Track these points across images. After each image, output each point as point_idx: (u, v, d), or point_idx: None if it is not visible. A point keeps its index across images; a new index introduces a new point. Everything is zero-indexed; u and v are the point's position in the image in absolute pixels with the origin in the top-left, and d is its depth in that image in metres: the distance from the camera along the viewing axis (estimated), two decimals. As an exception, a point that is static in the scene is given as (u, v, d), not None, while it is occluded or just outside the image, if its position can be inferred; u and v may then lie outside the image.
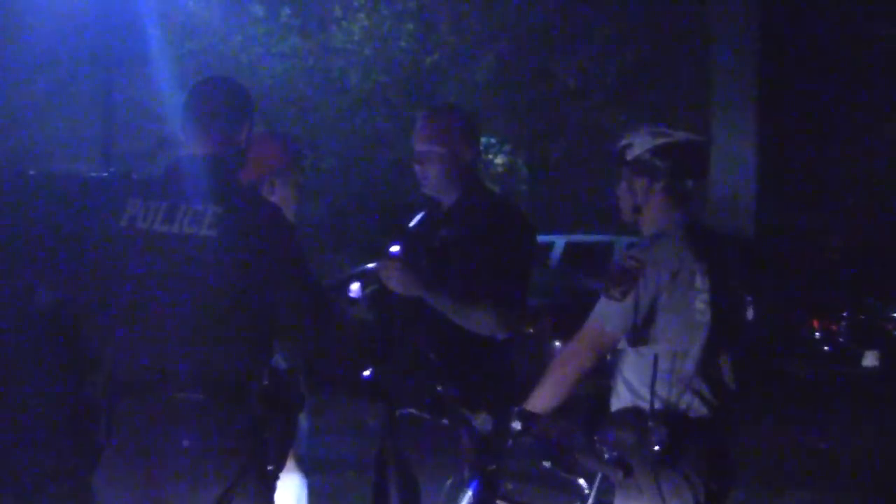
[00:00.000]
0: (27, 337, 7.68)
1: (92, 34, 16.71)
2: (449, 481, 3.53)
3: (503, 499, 3.60)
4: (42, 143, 17.41)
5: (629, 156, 3.55)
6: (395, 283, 3.76)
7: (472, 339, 3.76)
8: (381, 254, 3.89)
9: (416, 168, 3.94)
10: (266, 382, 3.14)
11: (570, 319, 3.87)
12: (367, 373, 3.77)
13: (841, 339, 15.96)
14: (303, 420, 3.93)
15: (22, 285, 7.96)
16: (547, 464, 3.45)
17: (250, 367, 3.14)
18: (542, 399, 3.44)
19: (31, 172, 10.45)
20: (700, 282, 3.42)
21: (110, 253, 3.22)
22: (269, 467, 3.17)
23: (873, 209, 23.41)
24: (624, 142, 3.58)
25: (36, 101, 17.92)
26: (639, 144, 3.54)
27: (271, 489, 3.21)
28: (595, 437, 3.39)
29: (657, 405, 3.38)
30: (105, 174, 9.63)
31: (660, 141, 3.53)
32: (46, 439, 7.38)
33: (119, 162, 15.31)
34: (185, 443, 3.07)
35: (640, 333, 3.41)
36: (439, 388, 3.47)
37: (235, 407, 3.10)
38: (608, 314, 3.42)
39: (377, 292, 4.02)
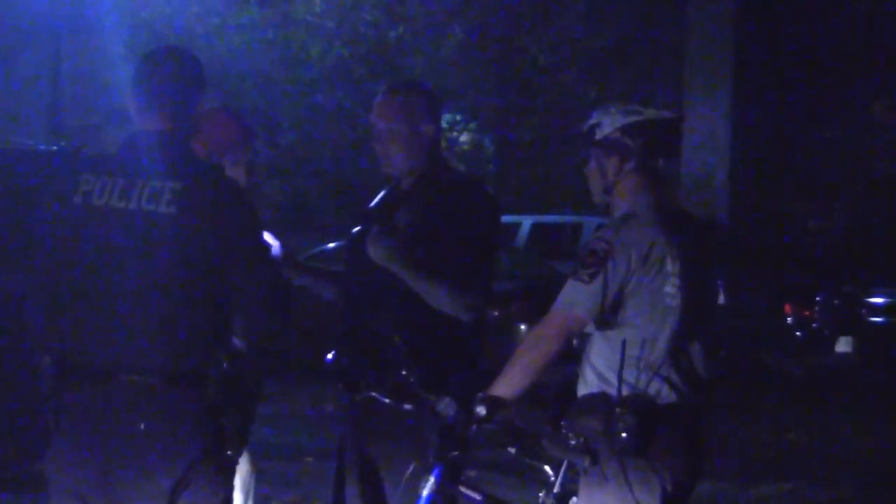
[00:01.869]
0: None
1: (40, 1, 16.56)
2: (410, 468, 3.56)
3: (466, 486, 3.63)
4: (-14, 116, 17.25)
5: (598, 135, 3.57)
6: (377, 248, 3.78)
7: (437, 322, 3.79)
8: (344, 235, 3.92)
9: (377, 146, 3.96)
10: (225, 366, 3.17)
11: (536, 302, 3.91)
12: (329, 356, 3.79)
13: (814, 325, 16.09)
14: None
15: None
16: (512, 450, 3.47)
17: (208, 349, 3.15)
18: (507, 384, 3.46)
19: (-25, 146, 10.34)
20: (671, 265, 3.45)
21: (63, 230, 3.22)
22: (228, 452, 3.19)
23: (850, 192, 23.60)
24: (592, 121, 3.60)
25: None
26: (608, 123, 3.56)
27: (230, 473, 3.24)
28: (561, 424, 3.42)
29: (625, 391, 3.41)
30: (54, 148, 9.54)
31: (630, 119, 3.54)
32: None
33: (68, 136, 15.21)
34: (141, 427, 3.09)
35: (608, 317, 3.44)
36: (403, 372, 3.50)
37: (193, 391, 3.12)
38: (576, 297, 3.44)
39: (344, 271, 4.05)
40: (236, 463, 3.25)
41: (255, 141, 4.09)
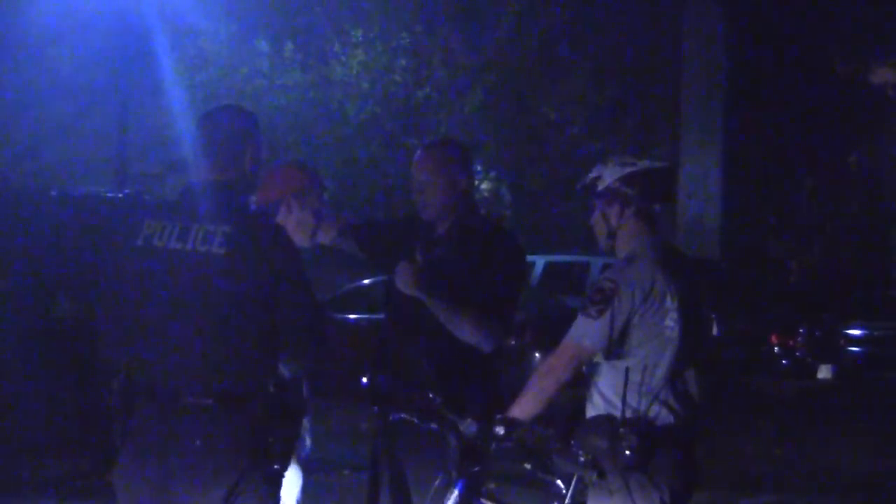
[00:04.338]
0: (47, 344, 7.69)
1: (108, 64, 16.74)
2: (436, 481, 3.55)
3: (487, 498, 3.61)
4: (62, 166, 17.42)
5: (600, 187, 3.58)
6: (402, 278, 3.80)
7: (461, 350, 3.80)
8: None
9: (416, 196, 3.98)
10: (272, 389, 3.17)
11: (549, 332, 3.91)
12: (364, 380, 3.79)
13: (798, 353, 16.02)
14: (307, 424, 3.95)
15: (41, 297, 7.97)
16: (527, 466, 3.47)
17: (256, 375, 3.16)
18: (524, 407, 3.46)
19: (53, 192, 10.46)
20: (670, 301, 3.45)
21: (128, 268, 3.24)
22: (275, 466, 3.20)
23: (829, 234, 23.53)
24: (594, 174, 3.61)
25: (57, 126, 17.94)
26: (608, 175, 3.57)
27: (277, 487, 3.23)
28: (571, 442, 3.41)
29: (628, 414, 3.40)
30: (120, 194, 9.64)
31: (627, 170, 3.55)
32: (64, 442, 7.38)
33: (133, 183, 15.33)
34: (197, 443, 3.09)
35: (614, 348, 3.44)
36: (430, 395, 3.50)
37: (243, 411, 3.13)
38: (585, 330, 3.45)
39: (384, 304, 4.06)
40: (283, 475, 3.25)
41: (323, 191, 4.14)
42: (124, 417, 3.17)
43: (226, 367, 3.13)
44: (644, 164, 3.57)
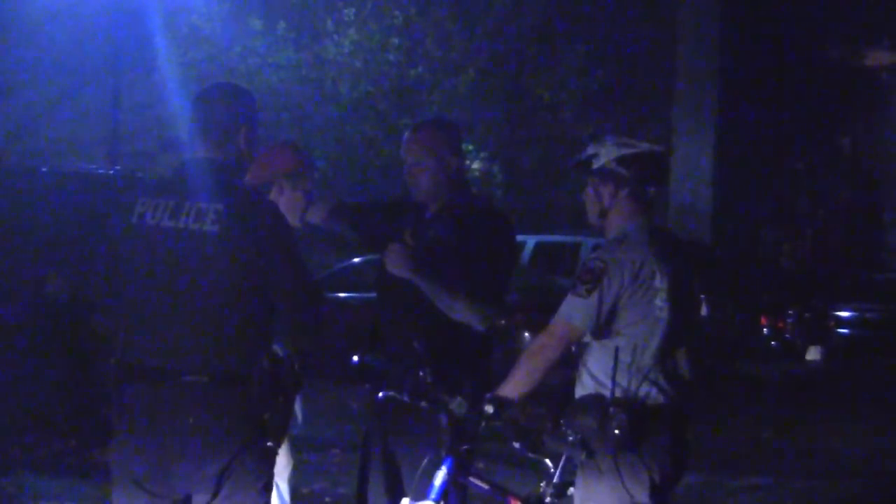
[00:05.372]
0: (38, 322, 7.68)
1: (102, 42, 16.67)
2: (426, 459, 3.56)
3: (475, 477, 3.63)
4: (53, 143, 17.35)
5: (595, 165, 3.57)
6: (392, 261, 3.79)
7: (452, 329, 3.80)
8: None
9: (407, 177, 3.96)
10: (266, 366, 3.17)
11: (539, 313, 3.91)
12: (354, 358, 3.79)
13: (786, 336, 16.05)
14: (298, 402, 3.96)
15: (32, 275, 7.95)
16: (516, 445, 3.47)
17: (250, 352, 3.16)
18: (513, 386, 3.46)
19: (43, 169, 10.42)
20: (660, 281, 3.45)
21: (121, 246, 3.23)
22: (269, 443, 3.20)
23: (820, 217, 23.58)
24: (590, 151, 3.60)
25: (49, 103, 17.86)
26: (604, 154, 3.56)
27: (270, 463, 3.24)
28: (561, 422, 3.42)
29: (618, 393, 3.40)
30: (111, 172, 9.61)
31: (624, 151, 3.54)
32: (56, 420, 7.38)
33: (124, 161, 15.29)
34: (191, 421, 3.10)
35: (603, 327, 3.44)
36: (421, 374, 3.50)
37: (237, 389, 3.13)
38: (574, 310, 3.45)
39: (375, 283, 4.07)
40: (276, 452, 3.25)
41: (314, 172, 4.13)
42: (119, 397, 3.17)
43: (220, 345, 3.13)
44: (642, 146, 3.56)
